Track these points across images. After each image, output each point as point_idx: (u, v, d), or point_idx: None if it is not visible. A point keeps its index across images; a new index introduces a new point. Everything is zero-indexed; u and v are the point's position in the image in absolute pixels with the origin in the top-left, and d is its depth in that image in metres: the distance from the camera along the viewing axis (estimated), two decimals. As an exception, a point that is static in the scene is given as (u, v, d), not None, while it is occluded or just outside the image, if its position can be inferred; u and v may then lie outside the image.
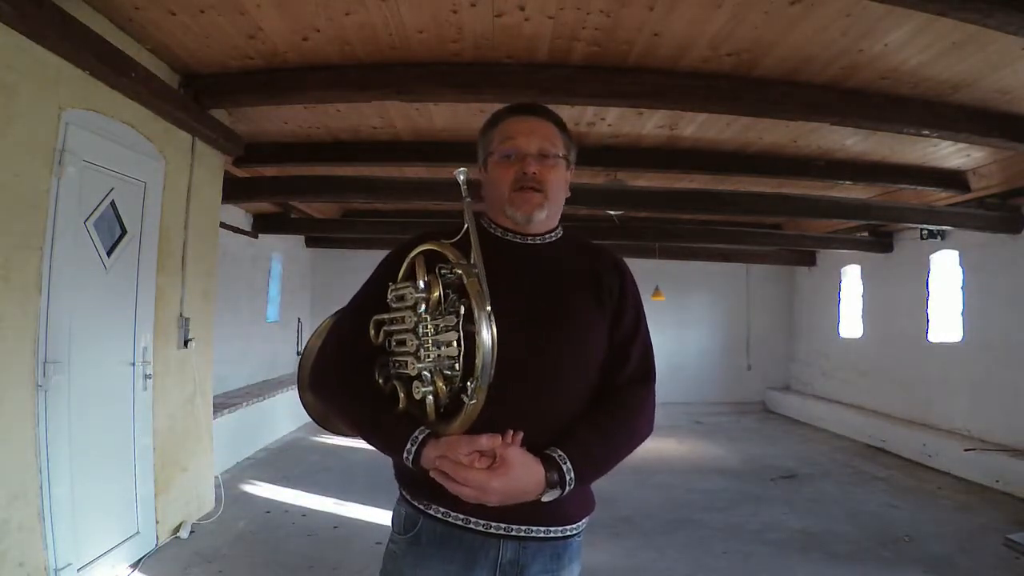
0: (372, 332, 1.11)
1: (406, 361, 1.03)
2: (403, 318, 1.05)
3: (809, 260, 8.83)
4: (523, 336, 1.06)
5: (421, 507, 1.09)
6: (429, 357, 1.00)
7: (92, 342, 2.83)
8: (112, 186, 2.95)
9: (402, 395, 1.06)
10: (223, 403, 5.17)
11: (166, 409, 3.45)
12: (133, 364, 3.15)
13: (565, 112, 3.88)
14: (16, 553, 2.32)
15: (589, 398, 1.14)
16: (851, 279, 8.09)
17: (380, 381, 1.11)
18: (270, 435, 6.17)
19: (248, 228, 6.56)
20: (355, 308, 1.21)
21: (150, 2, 2.64)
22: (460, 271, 1.01)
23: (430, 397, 1.01)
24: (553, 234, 1.24)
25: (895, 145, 4.30)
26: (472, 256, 1.04)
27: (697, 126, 4.10)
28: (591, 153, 4.48)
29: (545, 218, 1.19)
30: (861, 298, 7.80)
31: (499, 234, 1.21)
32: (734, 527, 4.04)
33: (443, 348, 1.00)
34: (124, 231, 3.07)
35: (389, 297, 1.09)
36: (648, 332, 1.24)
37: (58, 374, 2.56)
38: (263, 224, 6.72)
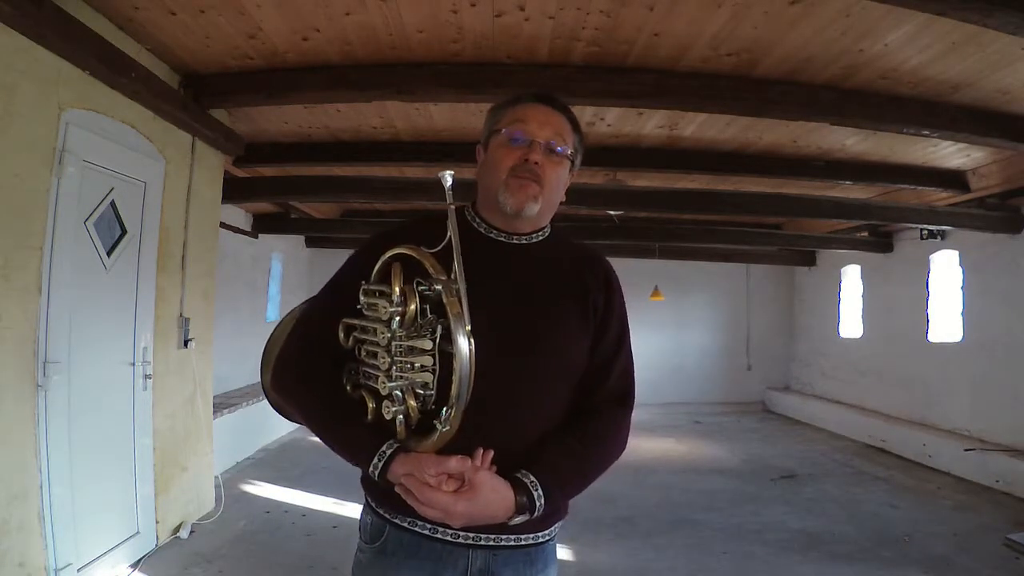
0: (341, 335, 1.05)
1: (377, 376, 0.97)
2: (375, 330, 0.98)
3: (809, 260, 8.83)
4: (499, 347, 0.99)
5: (387, 516, 1.06)
6: (401, 377, 0.95)
7: (92, 342, 2.83)
8: (112, 186, 2.95)
9: (371, 407, 1.00)
10: (223, 403, 5.17)
11: (166, 409, 3.45)
12: (133, 364, 3.15)
13: (565, 112, 3.88)
14: (16, 553, 2.32)
15: (564, 415, 1.09)
16: (851, 279, 8.09)
17: (348, 387, 1.05)
18: (270, 435, 6.17)
19: (248, 228, 6.55)
20: (325, 303, 1.14)
21: (150, 2, 2.64)
22: (440, 287, 0.94)
23: (400, 417, 0.96)
24: (540, 234, 1.17)
25: (895, 145, 4.30)
26: (452, 270, 0.96)
27: (697, 126, 4.10)
28: (591, 153, 4.43)
29: (536, 215, 1.11)
30: (861, 298, 7.79)
31: (483, 230, 1.13)
32: (734, 527, 4.04)
33: (416, 371, 0.95)
34: (124, 231, 3.07)
35: (361, 301, 1.02)
36: (631, 353, 1.19)
37: (58, 374, 2.55)
38: (263, 224, 6.72)
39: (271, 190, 5.21)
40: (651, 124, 4.09)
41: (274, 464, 5.39)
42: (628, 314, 1.21)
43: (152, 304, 3.30)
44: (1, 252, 2.28)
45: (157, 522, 3.31)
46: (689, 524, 4.10)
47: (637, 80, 3.16)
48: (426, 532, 1.03)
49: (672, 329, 9.29)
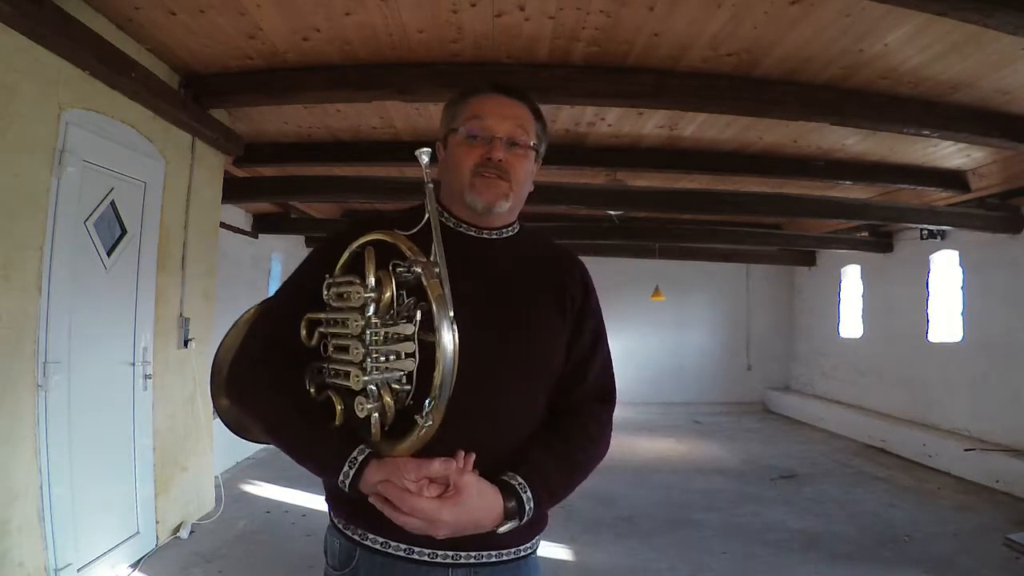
0: (304, 332, 0.97)
1: (348, 372, 0.89)
2: (346, 321, 0.90)
3: (809, 260, 8.83)
4: (478, 343, 0.91)
5: (356, 538, 0.97)
6: (378, 369, 0.87)
7: (92, 342, 2.82)
8: (112, 186, 2.95)
9: (339, 409, 0.92)
10: (223, 403, 5.16)
11: (166, 409, 3.45)
12: (133, 364, 3.15)
13: (565, 112, 3.88)
14: (16, 553, 2.32)
15: (543, 415, 1.05)
16: (851, 279, 8.09)
17: (311, 390, 0.97)
18: (270, 435, 6.16)
19: (248, 228, 6.55)
20: (284, 301, 1.06)
21: (150, 2, 2.64)
22: (419, 269, 0.87)
23: (376, 415, 0.88)
24: (510, 229, 1.11)
25: (895, 145, 4.30)
26: (432, 252, 0.90)
27: (697, 126, 4.10)
28: (591, 153, 4.48)
29: (506, 211, 1.06)
30: (861, 298, 7.80)
31: (452, 224, 1.06)
32: (734, 527, 4.04)
33: (396, 360, 0.87)
34: (124, 231, 3.07)
35: (327, 294, 0.95)
36: (608, 350, 1.14)
37: (58, 374, 2.55)
38: (263, 224, 6.71)
39: (271, 190, 5.21)
40: (651, 124, 4.08)
41: (274, 464, 5.38)
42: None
43: (152, 304, 3.30)
44: (1, 252, 2.28)
45: (157, 522, 3.31)
46: (689, 524, 4.10)
47: (637, 80, 3.16)
48: (401, 553, 0.94)
49: (672, 329, 9.29)
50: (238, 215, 6.28)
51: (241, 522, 3.83)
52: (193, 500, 3.72)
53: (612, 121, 4.04)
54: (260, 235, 6.76)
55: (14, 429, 2.35)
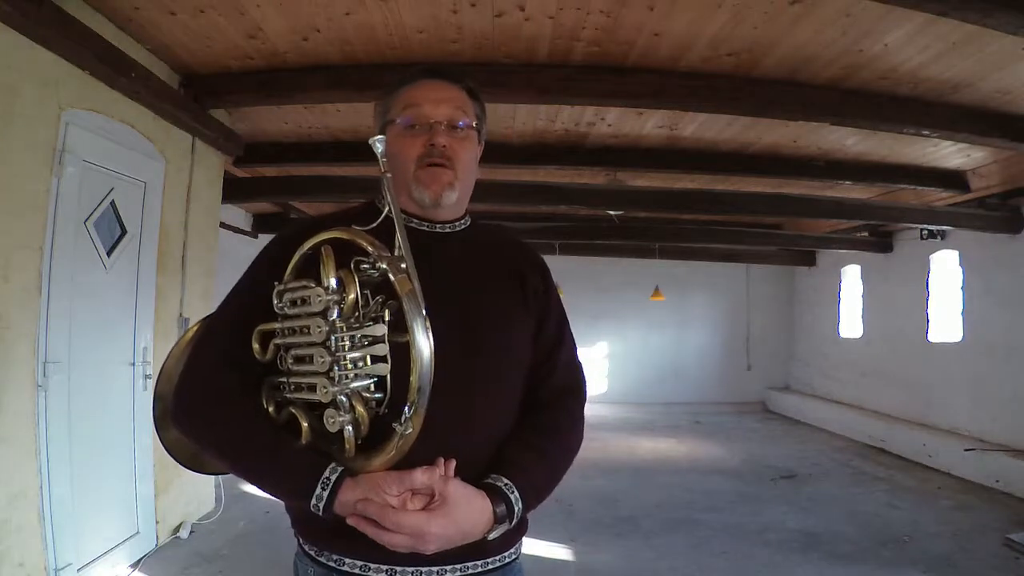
0: (257, 346, 0.90)
1: (314, 384, 0.82)
2: (306, 328, 0.83)
3: (809, 260, 8.83)
4: (449, 341, 0.86)
5: (332, 564, 0.89)
6: (347, 378, 0.80)
7: (92, 342, 2.82)
8: (112, 186, 2.95)
9: (305, 426, 0.85)
10: (223, 403, 5.16)
11: (166, 409, 3.45)
12: (133, 364, 3.15)
13: (565, 112, 3.88)
14: (16, 553, 2.32)
15: (518, 413, 1.01)
16: (851, 279, 8.09)
17: (270, 409, 0.90)
18: (270, 435, 6.15)
19: (248, 228, 6.56)
20: (230, 315, 0.98)
21: (150, 2, 2.64)
22: (385, 265, 0.81)
23: (349, 428, 0.81)
24: (463, 222, 1.07)
25: (895, 145, 4.30)
26: (396, 246, 0.84)
27: (697, 126, 4.10)
28: (591, 153, 4.48)
29: (455, 202, 1.02)
30: (861, 298, 7.80)
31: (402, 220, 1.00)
32: (734, 527, 4.04)
33: (367, 366, 0.81)
34: (124, 231, 3.07)
35: (278, 302, 0.88)
36: (573, 340, 1.11)
37: (58, 374, 2.55)
38: (263, 224, 6.72)
39: (271, 190, 5.21)
40: (651, 124, 4.09)
41: (274, 464, 5.38)
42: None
43: (152, 304, 3.30)
44: (1, 252, 2.28)
45: (157, 522, 3.31)
46: (689, 524, 4.10)
47: (637, 80, 3.16)
48: (383, 575, 0.88)
49: (672, 329, 9.30)
50: (238, 215, 6.29)
51: (241, 522, 3.82)
52: (193, 500, 3.72)
53: (612, 121, 4.04)
54: (260, 235, 6.76)
55: (14, 429, 2.35)
